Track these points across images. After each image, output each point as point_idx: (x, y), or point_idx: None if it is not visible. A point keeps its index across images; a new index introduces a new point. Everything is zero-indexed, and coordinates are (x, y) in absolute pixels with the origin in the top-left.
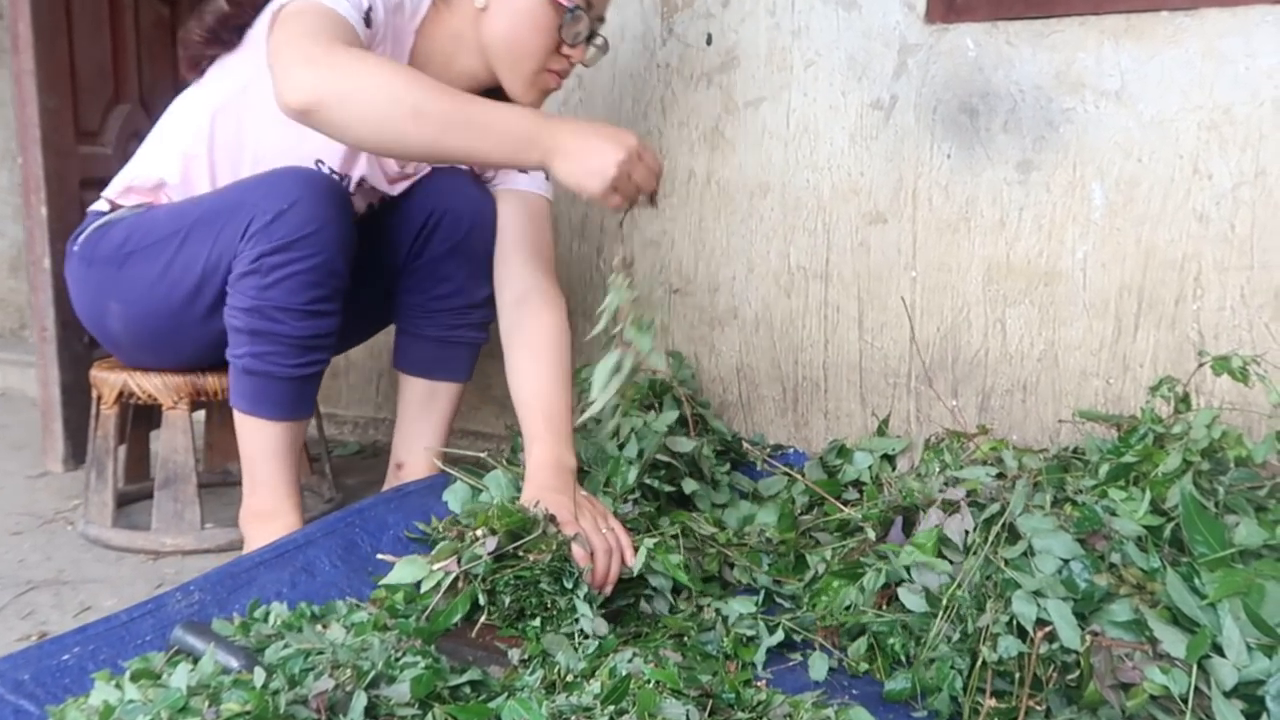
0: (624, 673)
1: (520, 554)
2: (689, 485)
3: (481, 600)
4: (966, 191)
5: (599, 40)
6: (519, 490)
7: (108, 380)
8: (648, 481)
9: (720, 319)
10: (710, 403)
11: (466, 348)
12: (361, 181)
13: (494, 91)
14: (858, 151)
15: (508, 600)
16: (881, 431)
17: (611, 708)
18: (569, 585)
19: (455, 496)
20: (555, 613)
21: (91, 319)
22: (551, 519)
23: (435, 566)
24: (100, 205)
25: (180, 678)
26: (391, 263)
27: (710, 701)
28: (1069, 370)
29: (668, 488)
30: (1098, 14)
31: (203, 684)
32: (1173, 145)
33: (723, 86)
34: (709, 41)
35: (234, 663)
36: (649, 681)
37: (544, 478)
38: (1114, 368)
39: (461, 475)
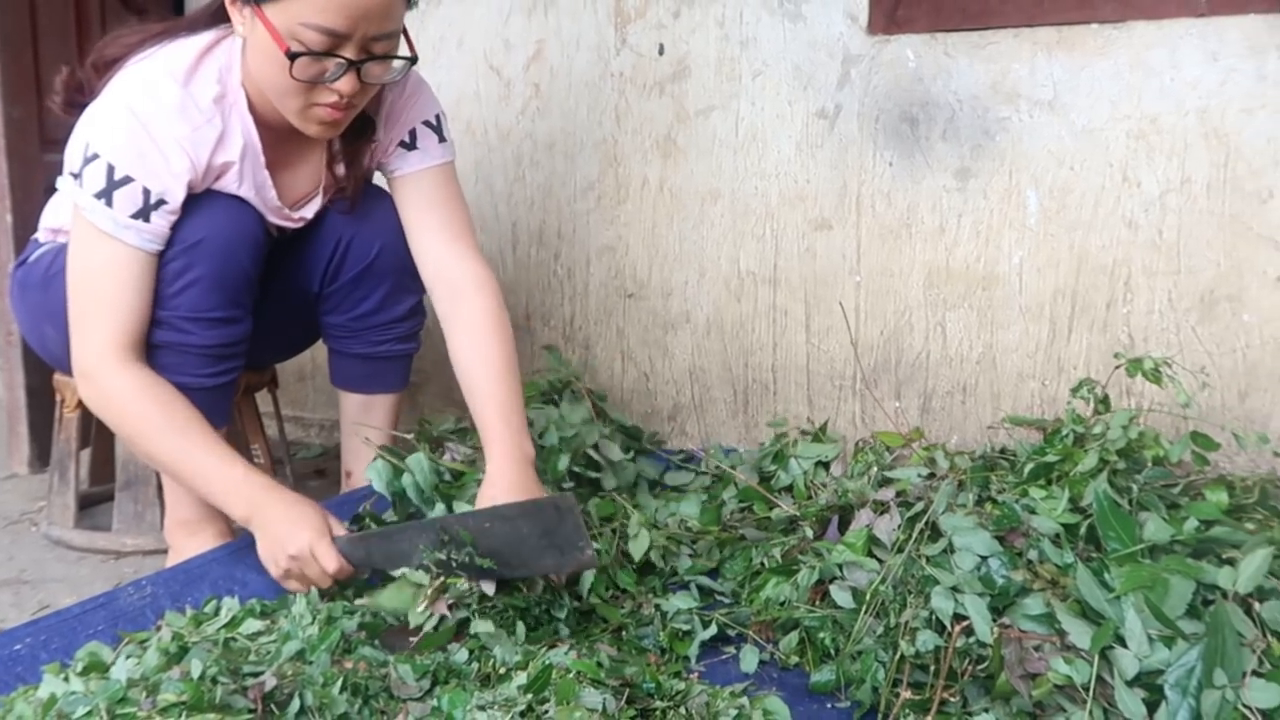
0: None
1: (507, 579)
2: (609, 480)
3: (472, 627)
4: (908, 198)
5: (377, 68)
6: (439, 474)
7: (69, 384)
8: (574, 469)
9: (673, 323)
10: (607, 395)
11: (396, 360)
12: None
13: None
14: (804, 159)
15: (492, 625)
16: (819, 437)
17: (529, 696)
18: (559, 615)
19: (377, 474)
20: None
21: (35, 341)
22: None
23: (421, 609)
24: (39, 236)
25: (121, 670)
26: (308, 287)
27: (629, 691)
28: (1006, 372)
29: (592, 474)
30: (1031, 26)
31: (144, 675)
32: (1103, 154)
33: (674, 95)
34: (661, 52)
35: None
36: (569, 672)
37: (511, 476)
38: (1049, 369)
39: (384, 455)
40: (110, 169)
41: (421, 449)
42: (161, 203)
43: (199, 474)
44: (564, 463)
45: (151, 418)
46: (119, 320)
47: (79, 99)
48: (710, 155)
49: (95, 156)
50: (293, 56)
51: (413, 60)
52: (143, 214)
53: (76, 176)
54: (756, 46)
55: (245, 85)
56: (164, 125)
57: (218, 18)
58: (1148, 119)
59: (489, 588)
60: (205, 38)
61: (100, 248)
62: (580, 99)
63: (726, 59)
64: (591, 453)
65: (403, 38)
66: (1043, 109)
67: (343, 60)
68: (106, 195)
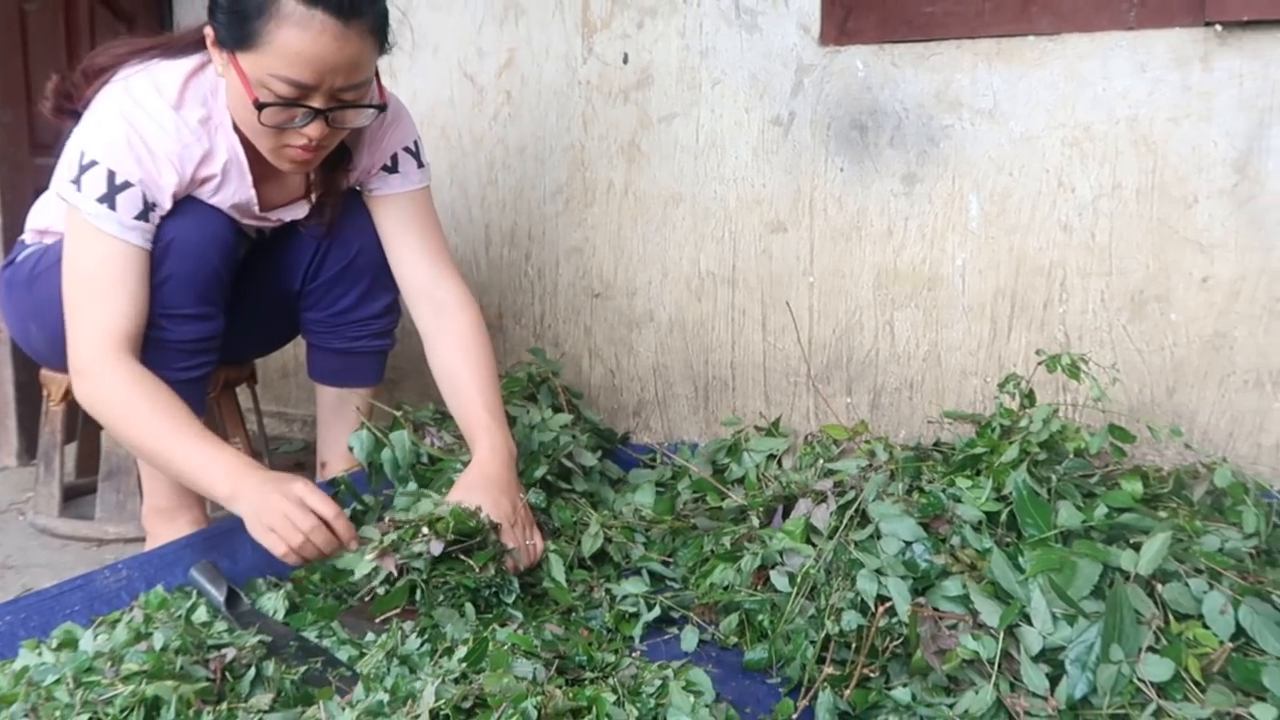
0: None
1: (459, 557)
2: (579, 484)
3: (419, 594)
4: (858, 202)
5: (347, 114)
6: (418, 454)
7: (55, 379)
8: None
9: (638, 321)
10: (583, 393)
11: (372, 356)
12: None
13: None
14: (760, 165)
15: (441, 596)
16: (772, 432)
17: (464, 665)
18: (506, 599)
19: (360, 443)
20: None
21: (21, 340)
22: (495, 528)
23: (370, 558)
24: (25, 237)
25: (89, 643)
26: (290, 285)
27: (560, 662)
28: (951, 369)
29: (563, 484)
30: (972, 38)
31: (112, 649)
32: (1040, 160)
33: (638, 103)
34: (625, 60)
35: (218, 597)
36: (504, 645)
37: (493, 468)
38: (991, 367)
39: (369, 425)
40: (111, 174)
41: (405, 427)
42: (155, 205)
43: (182, 457)
44: (540, 470)
45: (138, 406)
46: (116, 317)
47: (68, 105)
48: (672, 160)
49: (94, 163)
50: (260, 106)
51: (381, 108)
52: (144, 215)
53: (75, 183)
54: (715, 56)
55: (230, 108)
56: (156, 139)
57: (204, 43)
58: (1081, 127)
59: (437, 547)
60: (191, 62)
61: (100, 248)
62: (550, 106)
63: (687, 68)
64: (566, 461)
65: (375, 80)
66: (983, 117)
67: (310, 109)
68: (109, 200)
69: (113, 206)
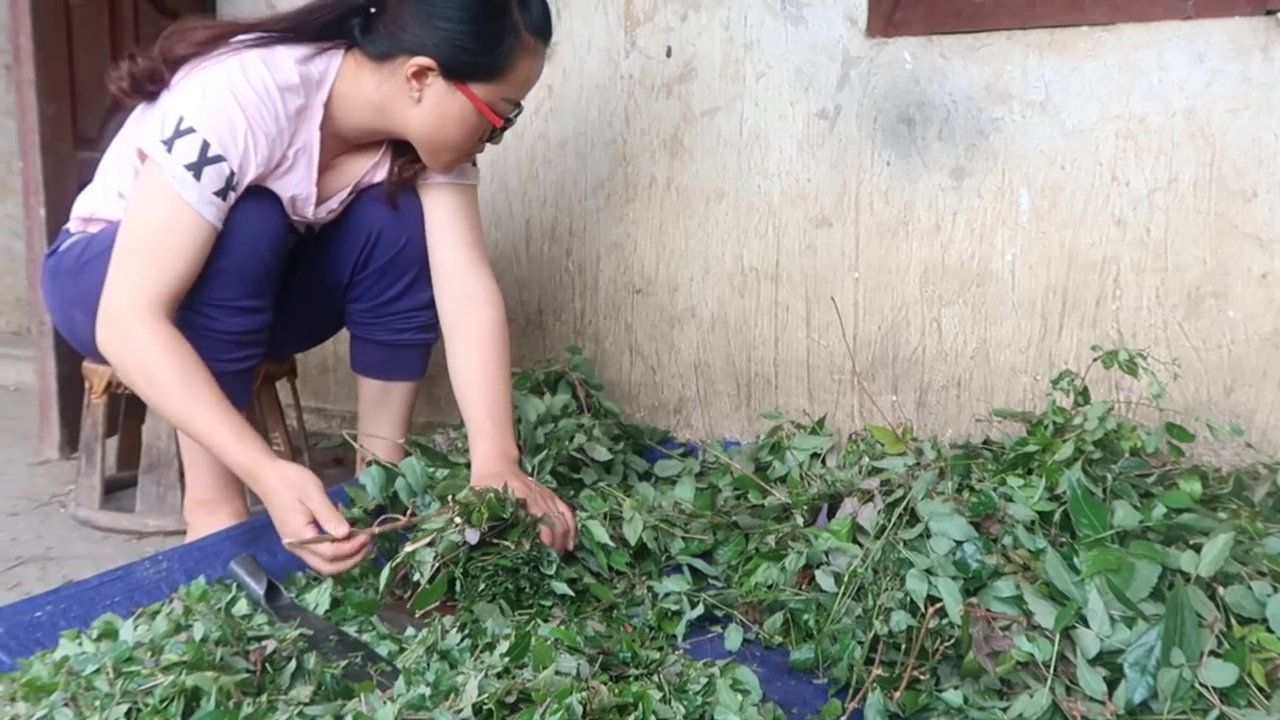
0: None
1: (495, 541)
2: (589, 477)
3: (459, 586)
4: (905, 197)
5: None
6: (431, 479)
7: (97, 371)
8: (558, 470)
9: (679, 318)
10: (603, 385)
11: (416, 349)
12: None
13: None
14: (805, 159)
15: (481, 585)
16: (816, 430)
17: (507, 660)
18: (548, 571)
19: (371, 480)
20: (523, 594)
21: (64, 327)
22: (522, 504)
23: (409, 547)
24: (70, 226)
25: (128, 633)
26: (338, 278)
27: (604, 659)
28: (999, 367)
29: (574, 475)
30: (1024, 28)
31: (152, 640)
32: (1093, 153)
33: (681, 97)
34: (668, 54)
35: (258, 590)
36: (547, 640)
37: (490, 466)
38: (1041, 365)
39: (378, 461)
40: (205, 145)
41: (413, 453)
42: (238, 185)
43: (203, 431)
44: (546, 459)
45: (163, 363)
46: (165, 279)
47: (150, 88)
48: (715, 155)
49: (191, 130)
50: (506, 125)
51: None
52: (223, 193)
53: (166, 144)
54: (760, 49)
55: (330, 104)
56: (260, 119)
57: (324, 34)
58: (1136, 119)
59: (473, 536)
60: (301, 50)
61: (171, 210)
62: (591, 100)
63: (731, 61)
64: (577, 455)
65: None
66: (1034, 109)
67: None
68: (196, 170)
69: (199, 177)
